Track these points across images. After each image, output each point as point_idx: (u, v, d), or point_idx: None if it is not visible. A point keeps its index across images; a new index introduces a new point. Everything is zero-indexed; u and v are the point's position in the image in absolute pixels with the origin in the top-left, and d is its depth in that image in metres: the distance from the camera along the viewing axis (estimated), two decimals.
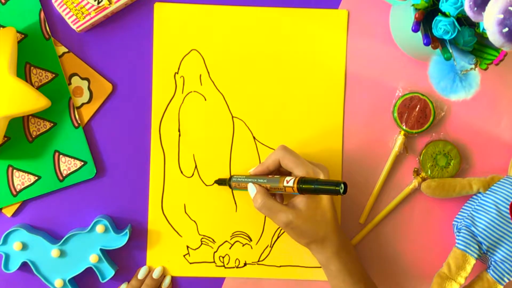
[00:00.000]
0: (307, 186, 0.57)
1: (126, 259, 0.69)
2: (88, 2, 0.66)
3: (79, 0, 0.65)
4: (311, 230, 0.60)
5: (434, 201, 0.70)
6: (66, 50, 0.68)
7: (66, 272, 0.67)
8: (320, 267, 0.70)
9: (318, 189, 0.56)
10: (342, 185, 0.54)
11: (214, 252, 0.70)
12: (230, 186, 0.66)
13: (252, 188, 0.62)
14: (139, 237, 0.69)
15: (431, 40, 0.57)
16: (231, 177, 0.66)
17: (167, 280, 0.69)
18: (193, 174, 0.69)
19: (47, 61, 0.68)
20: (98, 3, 0.66)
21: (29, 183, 0.68)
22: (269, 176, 0.62)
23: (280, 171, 0.64)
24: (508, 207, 0.63)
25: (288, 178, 0.59)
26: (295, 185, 0.58)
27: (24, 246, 0.66)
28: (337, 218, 0.63)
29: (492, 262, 0.65)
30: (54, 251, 0.66)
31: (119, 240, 0.67)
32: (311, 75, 0.69)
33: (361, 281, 0.62)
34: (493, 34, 0.49)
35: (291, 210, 0.59)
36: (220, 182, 0.68)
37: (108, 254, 0.68)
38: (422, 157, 0.69)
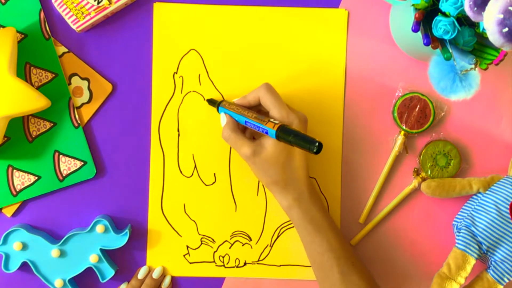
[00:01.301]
0: (284, 135, 0.57)
1: (126, 259, 0.69)
2: (88, 2, 0.66)
3: (79, 0, 0.65)
4: (273, 170, 0.60)
5: (434, 201, 0.70)
6: (66, 50, 0.68)
7: (66, 272, 0.67)
8: None
9: (293, 141, 0.56)
10: (317, 146, 0.54)
11: (214, 252, 0.70)
12: (218, 111, 0.66)
13: (223, 118, 0.63)
14: (139, 237, 0.69)
15: (431, 40, 0.57)
16: (221, 102, 0.66)
17: (167, 280, 0.69)
18: (192, 174, 0.69)
19: (47, 61, 0.68)
20: (98, 3, 0.66)
21: (29, 183, 0.68)
22: (256, 114, 0.61)
23: (259, 108, 0.65)
24: (508, 207, 0.63)
25: (272, 120, 0.59)
26: (275, 127, 0.57)
27: (24, 246, 0.66)
28: (306, 167, 0.63)
29: (492, 262, 0.65)
30: (54, 251, 0.66)
31: (119, 240, 0.67)
32: (311, 75, 0.69)
33: (325, 229, 0.61)
34: (493, 34, 0.49)
35: (256, 145, 0.60)
36: (211, 102, 0.67)
37: (108, 254, 0.68)
38: (422, 157, 0.69)
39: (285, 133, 0.57)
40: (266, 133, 0.59)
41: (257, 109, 0.65)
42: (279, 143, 0.60)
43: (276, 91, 0.63)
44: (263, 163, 0.60)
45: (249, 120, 0.61)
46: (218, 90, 0.69)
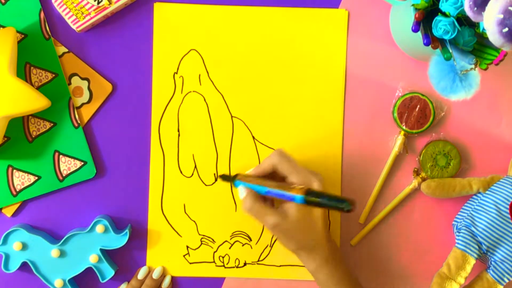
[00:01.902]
0: (313, 199, 0.56)
1: (126, 259, 0.69)
2: (88, 2, 0.66)
3: (79, 0, 0.65)
4: (299, 236, 0.60)
5: (434, 201, 0.70)
6: (66, 50, 0.68)
7: (66, 272, 0.67)
8: None
9: (324, 204, 0.55)
10: (348, 204, 0.53)
11: (214, 252, 0.70)
12: (235, 185, 0.64)
13: (242, 191, 0.62)
14: (139, 237, 0.69)
15: (431, 40, 0.57)
16: (235, 176, 0.64)
17: (167, 280, 0.69)
18: (192, 174, 0.69)
19: (47, 61, 0.68)
20: (98, 3, 0.66)
21: (29, 183, 0.68)
22: (276, 183, 0.60)
23: (273, 175, 0.63)
24: (508, 207, 0.63)
25: (297, 186, 0.58)
26: (301, 192, 0.56)
27: (24, 246, 0.66)
28: (328, 226, 0.62)
29: (492, 262, 0.65)
30: (54, 251, 0.66)
31: (119, 240, 0.67)
32: (311, 75, 0.69)
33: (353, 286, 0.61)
34: (493, 34, 0.49)
35: (280, 213, 0.59)
36: (225, 178, 0.66)
37: (108, 254, 0.68)
38: (422, 157, 0.69)
39: (314, 196, 0.56)
40: (292, 199, 0.57)
41: (271, 176, 0.63)
42: (303, 207, 0.59)
43: (290, 155, 0.62)
44: (290, 230, 0.59)
45: (271, 190, 0.59)
46: (218, 90, 0.69)
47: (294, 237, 0.60)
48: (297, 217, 0.59)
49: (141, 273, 0.68)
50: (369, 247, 0.70)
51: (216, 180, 0.69)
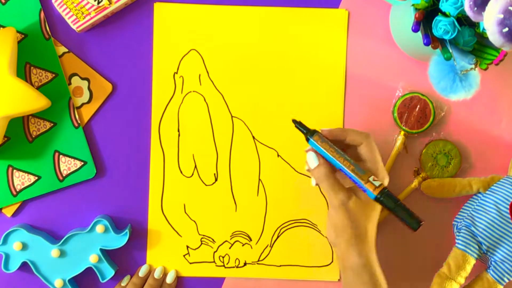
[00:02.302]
0: (387, 201, 0.55)
1: (126, 259, 0.69)
2: (88, 2, 0.66)
3: (79, 0, 0.65)
4: (360, 222, 0.57)
5: (434, 201, 0.70)
6: (66, 50, 0.68)
7: (66, 272, 0.67)
8: (320, 266, 0.70)
9: (395, 210, 0.55)
10: (419, 224, 0.54)
11: (214, 252, 0.70)
12: (307, 140, 0.60)
13: (314, 158, 0.59)
14: (139, 237, 0.69)
15: (431, 40, 0.57)
16: (315, 131, 0.60)
17: (171, 275, 0.69)
18: (192, 174, 0.69)
19: (47, 61, 0.68)
20: (98, 3, 0.66)
21: (29, 183, 0.68)
22: (355, 162, 0.58)
23: (343, 149, 0.60)
24: (508, 207, 0.63)
25: (372, 179, 0.57)
26: (377, 191, 0.56)
27: (24, 246, 0.66)
28: None
29: (492, 262, 0.65)
30: (54, 251, 0.66)
31: (119, 240, 0.67)
32: (311, 75, 0.69)
33: None
34: (493, 34, 0.49)
35: (351, 192, 0.58)
36: (300, 127, 0.61)
37: (108, 254, 0.68)
38: (423, 157, 0.69)
39: (389, 200, 0.55)
40: (364, 190, 0.57)
41: (339, 147, 0.60)
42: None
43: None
44: (354, 212, 0.57)
45: (346, 171, 0.58)
46: (218, 90, 0.69)
47: (355, 222, 0.57)
48: (366, 201, 0.58)
49: (143, 271, 0.68)
50: None
51: (215, 181, 0.69)
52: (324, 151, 0.59)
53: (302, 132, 0.61)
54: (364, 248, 0.58)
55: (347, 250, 0.58)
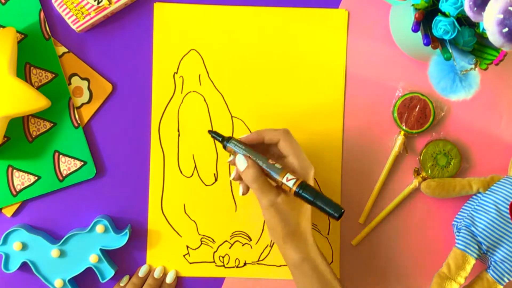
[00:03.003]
0: (305, 195, 0.55)
1: (126, 259, 0.69)
2: (88, 2, 0.66)
3: (79, 0, 0.65)
4: (292, 220, 0.58)
5: (434, 201, 0.70)
6: (66, 50, 0.68)
7: (66, 272, 0.67)
8: None
9: (315, 203, 0.55)
10: (340, 213, 0.53)
11: (214, 252, 0.70)
12: (224, 147, 0.61)
13: (243, 161, 0.59)
14: (139, 237, 0.69)
15: (431, 40, 0.57)
16: (229, 138, 0.61)
17: (171, 274, 0.69)
18: (192, 174, 0.69)
19: (47, 61, 0.68)
20: (98, 3, 0.66)
21: (29, 183, 0.68)
22: (270, 160, 0.59)
23: (265, 149, 0.62)
24: (508, 207, 0.63)
25: (289, 176, 0.57)
26: (293, 188, 0.56)
27: (24, 246, 0.66)
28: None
29: (492, 262, 0.65)
30: (54, 251, 0.66)
31: (119, 240, 0.67)
32: (311, 75, 0.69)
33: (335, 280, 0.59)
34: (493, 34, 0.49)
35: (280, 193, 0.58)
36: (215, 135, 0.62)
37: (108, 254, 0.68)
38: (423, 157, 0.69)
39: (307, 193, 0.55)
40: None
41: (261, 148, 0.61)
42: None
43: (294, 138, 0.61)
44: (285, 211, 0.57)
45: (266, 168, 0.58)
46: (218, 90, 0.69)
47: (286, 220, 0.57)
48: (293, 198, 0.58)
49: (142, 271, 0.68)
50: (369, 247, 0.70)
51: (215, 181, 0.69)
52: (243, 156, 0.59)
53: (218, 140, 0.62)
54: (300, 244, 0.58)
55: (285, 248, 0.59)
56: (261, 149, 0.61)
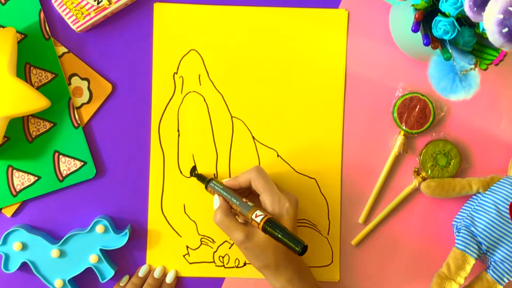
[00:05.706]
0: (271, 231, 0.57)
1: (126, 259, 0.69)
2: (88, 2, 0.66)
3: (79, 0, 0.65)
4: (264, 255, 0.60)
5: (434, 201, 0.70)
6: (66, 50, 0.68)
7: (66, 272, 0.67)
8: (320, 266, 0.70)
9: (280, 238, 0.56)
10: (302, 248, 0.54)
11: (214, 252, 0.70)
12: (206, 188, 0.66)
13: (216, 201, 0.63)
14: (139, 237, 0.69)
15: (431, 40, 0.57)
16: (210, 180, 0.66)
17: (171, 274, 0.69)
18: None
19: (47, 61, 0.68)
20: (98, 3, 0.66)
21: (29, 183, 0.68)
22: (244, 199, 0.61)
23: (250, 191, 0.65)
24: (508, 207, 0.63)
25: (258, 212, 0.59)
26: (261, 224, 0.58)
27: (24, 246, 0.66)
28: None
29: (492, 262, 0.65)
30: (54, 251, 0.66)
31: (119, 240, 0.67)
32: (311, 75, 0.69)
33: None
34: (493, 34, 0.49)
35: (248, 231, 0.60)
36: (199, 178, 0.67)
37: (108, 254, 0.68)
38: (422, 157, 0.69)
39: (272, 228, 0.57)
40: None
41: (249, 191, 0.66)
42: None
43: (267, 174, 0.63)
44: (254, 249, 0.60)
45: (237, 205, 0.61)
46: (218, 90, 0.69)
47: (258, 256, 0.60)
48: (263, 237, 0.59)
49: (142, 271, 0.68)
50: (369, 247, 0.70)
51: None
52: (216, 195, 0.64)
53: (202, 182, 0.67)
54: (277, 274, 0.61)
55: (266, 277, 0.62)
56: (244, 192, 0.65)
